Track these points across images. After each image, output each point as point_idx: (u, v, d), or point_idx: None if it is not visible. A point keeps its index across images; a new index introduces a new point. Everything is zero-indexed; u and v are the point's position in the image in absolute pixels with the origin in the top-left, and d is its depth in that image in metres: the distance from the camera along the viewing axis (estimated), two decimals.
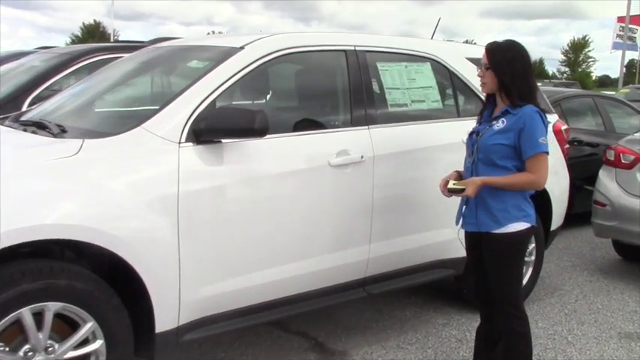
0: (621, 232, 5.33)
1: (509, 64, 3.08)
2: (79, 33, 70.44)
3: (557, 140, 4.84)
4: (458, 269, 4.24)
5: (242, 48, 3.39)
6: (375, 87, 3.82)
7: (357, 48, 3.78)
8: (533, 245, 4.68)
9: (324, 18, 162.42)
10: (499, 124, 3.10)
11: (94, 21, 72.74)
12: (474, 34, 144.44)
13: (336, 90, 3.79)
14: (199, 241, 3.01)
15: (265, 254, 3.29)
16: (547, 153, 3.03)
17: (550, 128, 4.69)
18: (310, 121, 3.65)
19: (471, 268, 3.44)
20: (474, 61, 4.38)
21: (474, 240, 3.24)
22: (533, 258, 4.71)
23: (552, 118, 4.91)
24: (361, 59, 3.77)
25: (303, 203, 3.38)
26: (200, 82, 3.18)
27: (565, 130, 4.94)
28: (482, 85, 3.17)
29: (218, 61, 3.32)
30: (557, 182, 4.80)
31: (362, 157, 3.57)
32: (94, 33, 67.48)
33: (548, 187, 4.56)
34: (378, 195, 3.66)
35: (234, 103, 3.37)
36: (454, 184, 3.08)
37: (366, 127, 3.68)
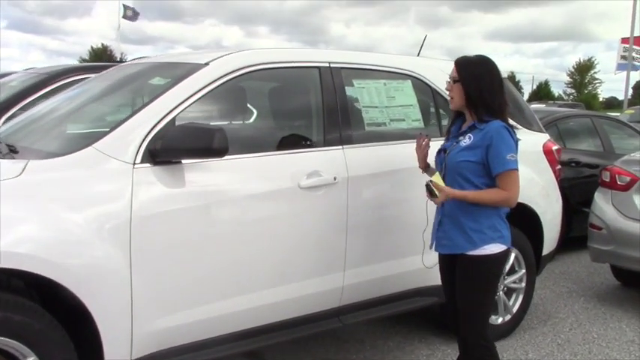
0: (618, 257, 5.10)
1: (477, 79, 2.98)
2: (87, 57, 70.90)
3: (548, 161, 4.64)
4: (442, 297, 3.98)
5: (207, 64, 3.22)
6: (351, 105, 3.63)
7: (331, 65, 3.61)
8: (524, 271, 4.45)
9: (331, 41, 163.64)
10: (466, 140, 2.98)
11: (102, 45, 73.22)
12: None
13: (308, 108, 3.61)
14: (155, 270, 2.82)
15: (229, 283, 3.09)
16: (516, 170, 2.92)
17: (539, 149, 4.52)
18: (280, 141, 3.46)
19: (446, 294, 3.24)
20: None
21: (448, 263, 3.08)
22: (523, 285, 4.47)
23: (543, 137, 4.72)
24: (336, 76, 3.59)
25: (271, 228, 3.19)
26: (158, 100, 3.00)
27: (556, 150, 4.73)
28: (450, 99, 3.06)
29: (180, 77, 3.15)
30: (548, 205, 4.59)
31: (335, 178, 3.38)
32: (101, 57, 67.90)
33: (538, 210, 4.39)
34: (352, 219, 3.46)
35: (198, 121, 3.17)
36: (430, 181, 2.92)
37: (340, 147, 3.49)
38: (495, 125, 2.92)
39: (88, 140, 2.83)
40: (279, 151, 3.34)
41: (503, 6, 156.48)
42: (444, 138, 3.92)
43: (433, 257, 3.31)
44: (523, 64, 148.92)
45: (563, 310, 5.16)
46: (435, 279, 3.83)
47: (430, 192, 2.91)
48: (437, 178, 2.94)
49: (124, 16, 42.35)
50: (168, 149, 2.83)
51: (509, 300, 4.43)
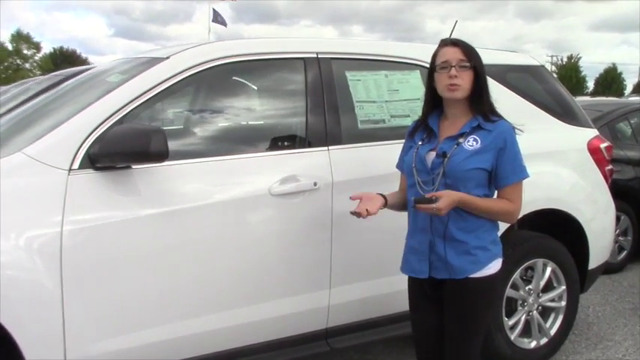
0: None
1: (484, 68, 2.50)
2: None
3: (596, 161, 4.00)
4: None
5: (167, 58, 2.90)
6: (342, 100, 3.20)
7: (320, 55, 3.19)
8: (564, 288, 3.84)
9: (427, 38, 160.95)
10: (472, 143, 2.44)
11: None
12: (583, 49, 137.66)
13: (288, 105, 3.21)
14: (92, 289, 2.52)
15: (186, 302, 2.75)
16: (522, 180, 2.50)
17: (584, 147, 3.91)
18: (252, 143, 3.09)
19: (419, 327, 2.68)
20: None
21: (428, 289, 2.56)
22: (563, 303, 3.86)
23: (589, 133, 4.08)
24: (324, 68, 3.18)
25: (234, 240, 2.82)
26: (105, 99, 2.71)
27: (606, 147, 4.08)
28: (455, 88, 2.43)
29: (136, 73, 2.84)
30: (595, 212, 3.96)
31: (315, 184, 2.97)
32: None
33: (581, 218, 3.79)
34: (338, 230, 3.04)
35: (144, 122, 2.85)
36: (423, 195, 2.38)
37: (325, 148, 3.07)
38: (506, 126, 2.46)
39: (19, 145, 2.57)
40: (249, 154, 2.96)
41: None
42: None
43: None
44: (632, 55, 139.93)
45: (621, 331, 4.48)
46: None
47: (425, 203, 2.31)
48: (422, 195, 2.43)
49: (214, 20, 43.40)
50: (105, 153, 2.52)
51: (545, 321, 3.84)
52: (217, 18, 43.98)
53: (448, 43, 2.51)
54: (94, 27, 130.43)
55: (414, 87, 3.44)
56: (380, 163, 3.19)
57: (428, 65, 3.49)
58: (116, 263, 2.57)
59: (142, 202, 2.64)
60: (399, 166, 2.72)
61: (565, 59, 65.79)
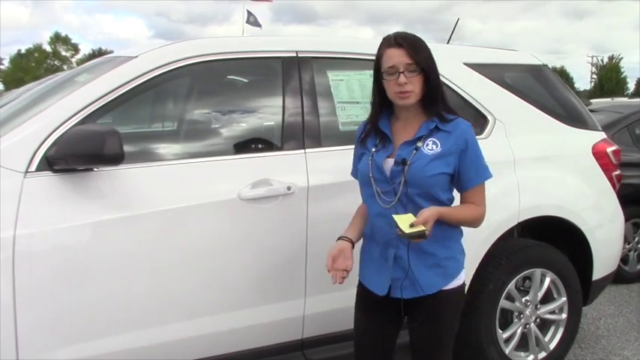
0: None
1: (433, 61, 2.30)
2: None
3: (602, 166, 3.78)
4: None
5: (136, 57, 2.81)
6: (322, 101, 3.06)
7: (299, 54, 3.07)
8: (564, 299, 3.64)
9: (466, 38, 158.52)
10: (431, 147, 2.27)
11: None
12: (628, 49, 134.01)
13: (262, 106, 3.08)
14: (48, 296, 2.43)
15: (147, 310, 2.64)
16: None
17: (588, 151, 3.71)
18: (222, 145, 2.97)
19: (363, 338, 2.49)
20: (476, 66, 3.53)
21: (387, 304, 2.37)
22: (564, 316, 3.66)
23: (594, 137, 3.86)
24: (304, 68, 3.05)
25: (201, 247, 2.70)
26: (66, 99, 2.63)
27: (613, 152, 3.85)
28: (407, 95, 2.24)
29: (101, 73, 2.76)
30: (600, 220, 3.75)
31: (289, 188, 2.84)
32: None
33: (584, 227, 3.60)
34: (314, 237, 2.90)
35: (116, 122, 2.76)
36: (410, 225, 2.08)
37: (302, 151, 2.94)
38: (465, 125, 2.30)
39: None
40: (218, 157, 2.84)
41: None
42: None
43: None
44: None
45: (632, 345, 4.24)
46: None
47: (418, 237, 2.10)
48: (410, 230, 2.08)
49: (248, 22, 43.61)
50: (60, 156, 2.43)
51: (544, 334, 3.64)
52: (250, 19, 44.28)
53: (392, 43, 2.26)
54: (134, 28, 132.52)
55: None
56: None
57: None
58: (71, 269, 2.47)
59: (101, 205, 2.55)
60: (354, 174, 2.53)
61: (606, 60, 64.19)
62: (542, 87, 3.81)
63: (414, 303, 2.31)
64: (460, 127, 2.26)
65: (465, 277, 2.38)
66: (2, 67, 59.23)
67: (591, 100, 9.60)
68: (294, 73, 3.02)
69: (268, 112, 3.06)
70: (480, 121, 3.45)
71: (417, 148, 2.26)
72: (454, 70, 3.44)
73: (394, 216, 2.14)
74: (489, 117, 3.45)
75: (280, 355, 2.96)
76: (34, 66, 56.17)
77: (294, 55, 3.06)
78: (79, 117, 2.57)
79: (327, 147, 3.01)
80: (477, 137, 3.28)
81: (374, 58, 3.24)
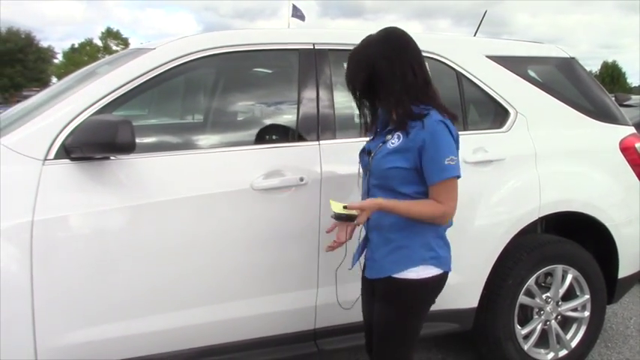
0: None
1: (373, 63, 2.30)
2: None
3: (630, 161, 3.68)
4: (464, 324, 3.33)
5: (154, 49, 2.87)
6: (338, 93, 3.08)
7: (316, 46, 3.08)
8: (587, 297, 3.57)
9: (516, 32, 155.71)
10: (393, 141, 2.29)
11: None
12: None
13: (278, 98, 3.12)
14: (64, 278, 2.52)
15: (162, 296, 2.71)
16: (457, 177, 2.23)
17: (616, 146, 3.62)
18: (238, 136, 3.02)
19: (364, 315, 2.62)
20: (498, 59, 3.49)
21: (371, 291, 2.47)
22: (586, 314, 3.59)
23: (622, 131, 3.76)
24: (320, 59, 3.06)
25: (214, 235, 2.75)
26: (85, 89, 2.71)
27: None
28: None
29: (120, 64, 2.83)
30: (628, 216, 3.66)
31: (302, 179, 2.86)
32: None
33: (609, 223, 3.52)
34: (327, 228, 2.91)
35: (135, 111, 2.84)
36: (344, 207, 2.22)
37: (316, 142, 2.96)
38: (429, 121, 2.22)
39: None
40: (233, 147, 2.89)
41: None
42: (468, 132, 3.30)
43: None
44: None
45: None
46: (455, 301, 3.22)
47: (345, 219, 2.24)
48: (338, 208, 2.24)
49: (294, 15, 43.90)
50: (76, 144, 2.51)
51: (566, 332, 3.58)
52: (297, 13, 44.58)
53: None
54: (183, 23, 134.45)
55: None
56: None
57: (438, 57, 3.35)
58: (87, 254, 2.55)
59: (117, 193, 2.62)
60: None
61: None
62: (569, 80, 3.73)
63: (377, 285, 2.38)
64: (426, 123, 2.20)
65: (425, 274, 2.28)
66: (56, 61, 60.89)
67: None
68: (310, 64, 3.04)
69: (284, 103, 3.09)
70: (500, 114, 3.41)
71: (385, 141, 2.32)
72: (475, 63, 3.40)
73: (330, 200, 2.29)
74: (511, 110, 3.41)
75: (293, 344, 2.99)
76: (86, 60, 57.59)
77: (312, 47, 3.08)
78: (96, 107, 2.65)
79: (341, 139, 3.02)
80: (497, 130, 3.30)
81: None
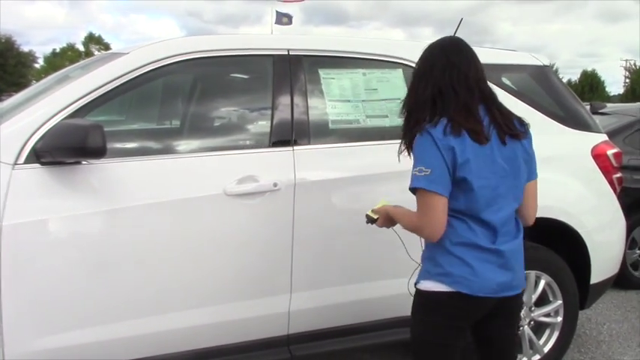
0: None
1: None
2: None
3: (602, 168, 3.73)
4: None
5: (128, 53, 2.86)
6: (313, 99, 3.09)
7: (291, 52, 3.09)
8: (560, 302, 3.60)
9: (498, 41, 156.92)
10: None
11: None
12: None
13: (252, 103, 3.12)
14: (32, 283, 2.50)
15: (134, 302, 2.69)
16: (423, 190, 2.12)
17: (587, 153, 3.67)
18: (212, 141, 3.01)
19: None
20: None
21: None
22: (559, 319, 3.62)
23: (594, 138, 3.81)
24: (295, 65, 3.07)
25: (186, 241, 2.75)
26: (57, 93, 2.70)
27: (614, 154, 3.80)
28: None
29: (93, 68, 2.82)
30: (600, 223, 3.70)
31: (275, 184, 2.86)
32: None
33: (581, 229, 3.55)
34: (301, 234, 2.92)
35: (104, 117, 2.83)
36: (372, 210, 2.42)
37: (290, 148, 2.97)
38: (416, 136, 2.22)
39: None
40: (206, 153, 2.89)
41: None
42: None
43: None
44: None
45: (633, 351, 4.17)
46: None
47: (370, 220, 2.46)
48: (369, 211, 2.46)
49: (277, 22, 43.76)
50: (46, 149, 2.50)
51: (539, 337, 3.61)
52: (282, 20, 44.50)
53: None
54: (166, 28, 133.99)
55: (394, 86, 3.29)
56: (351, 164, 3.08)
57: (413, 64, 3.36)
58: (58, 260, 2.53)
59: (89, 198, 2.60)
60: None
61: (639, 63, 63.12)
62: (543, 88, 3.78)
63: None
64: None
65: (427, 288, 2.22)
66: (37, 65, 60.36)
67: (619, 105, 9.48)
68: (285, 70, 3.05)
69: (258, 109, 3.10)
70: None
71: None
72: None
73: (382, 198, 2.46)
74: None
75: (266, 350, 2.98)
76: (67, 65, 57.16)
77: (286, 52, 3.08)
78: (68, 111, 2.63)
79: (316, 145, 3.03)
80: None
81: (366, 56, 3.27)
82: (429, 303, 2.26)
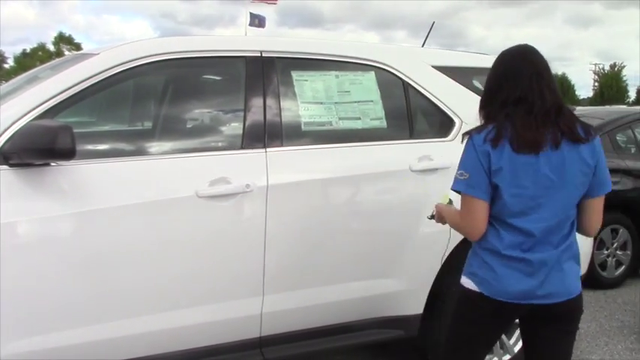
0: None
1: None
2: None
3: None
4: (409, 330, 3.36)
5: (98, 54, 2.84)
6: (286, 101, 3.09)
7: (264, 54, 3.09)
8: None
9: (471, 44, 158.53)
10: None
11: None
12: (633, 58, 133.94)
13: (224, 105, 3.11)
14: (1, 288, 2.45)
15: (106, 305, 2.67)
16: (463, 193, 2.19)
17: None
18: (185, 143, 2.99)
19: None
20: (444, 69, 3.54)
21: None
22: None
23: None
24: (267, 67, 3.07)
25: (158, 243, 2.72)
26: (25, 94, 2.66)
27: None
28: None
29: (62, 69, 2.78)
30: None
31: (248, 186, 2.86)
32: None
33: None
34: (273, 235, 2.91)
35: (76, 118, 2.80)
36: (435, 205, 2.54)
37: (262, 150, 2.96)
38: None
39: None
40: (178, 154, 2.87)
41: None
42: (414, 141, 3.36)
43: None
44: None
45: (601, 350, 4.25)
46: (399, 308, 3.27)
47: (431, 216, 2.58)
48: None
49: (252, 24, 43.58)
50: (14, 150, 2.46)
51: (509, 337, 3.65)
52: (255, 21, 44.30)
53: None
54: (140, 30, 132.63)
55: (367, 89, 3.31)
56: (322, 166, 3.09)
57: (385, 67, 3.39)
58: (27, 262, 2.50)
59: (59, 200, 2.57)
60: None
61: (607, 68, 64.22)
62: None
63: None
64: None
65: (470, 287, 2.27)
66: (6, 66, 59.36)
67: (588, 108, 9.64)
68: (257, 72, 3.04)
69: (230, 110, 3.09)
70: (446, 123, 3.46)
71: None
72: (421, 73, 3.46)
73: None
74: (456, 119, 3.46)
75: (238, 353, 2.97)
76: (37, 65, 56.31)
77: (259, 54, 3.08)
78: (36, 112, 2.60)
79: (289, 146, 3.03)
80: (442, 139, 3.37)
81: (338, 59, 3.28)
82: (461, 296, 2.36)
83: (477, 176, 2.14)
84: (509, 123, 2.12)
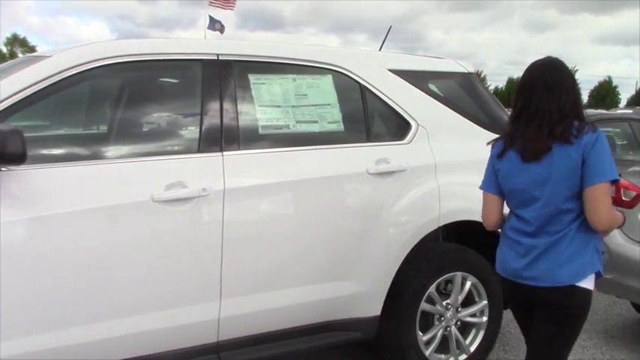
0: (618, 287, 4.23)
1: None
2: None
3: None
4: (366, 332, 3.38)
5: (50, 56, 2.78)
6: (243, 104, 3.08)
7: (220, 57, 3.07)
8: (485, 303, 3.71)
9: (430, 48, 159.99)
10: None
11: None
12: (586, 62, 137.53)
13: (180, 108, 3.09)
14: None
15: (58, 312, 2.61)
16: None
17: None
18: (139, 147, 2.96)
19: None
20: (401, 73, 3.58)
21: None
22: (484, 319, 3.73)
23: None
24: (224, 70, 3.05)
25: (113, 248, 2.69)
26: None
27: None
28: None
29: (12, 72, 2.72)
30: None
31: (204, 190, 2.84)
32: None
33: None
34: (230, 239, 2.90)
35: (28, 123, 2.75)
36: None
37: (219, 153, 2.95)
38: None
39: None
40: (132, 158, 2.83)
41: (617, 7, 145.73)
42: (371, 144, 3.39)
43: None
44: (632, 69, 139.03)
45: None
46: (357, 310, 3.29)
47: None
48: None
49: (211, 28, 43.27)
50: None
51: (465, 337, 3.71)
52: (215, 26, 44.01)
53: None
54: (97, 31, 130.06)
55: (324, 92, 3.32)
56: (279, 169, 3.08)
57: (342, 70, 3.40)
58: None
59: (9, 206, 2.50)
60: None
61: None
62: (468, 95, 3.89)
63: None
64: None
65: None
66: None
67: None
68: (214, 75, 3.03)
69: (187, 114, 3.06)
70: (402, 126, 3.50)
71: None
72: (378, 76, 3.49)
73: None
74: (412, 123, 3.50)
75: (196, 358, 2.95)
76: None
77: (215, 57, 3.06)
78: None
79: (246, 150, 3.02)
80: (399, 142, 3.40)
81: (296, 62, 3.29)
82: None
83: (488, 175, 2.60)
84: (519, 134, 2.42)
